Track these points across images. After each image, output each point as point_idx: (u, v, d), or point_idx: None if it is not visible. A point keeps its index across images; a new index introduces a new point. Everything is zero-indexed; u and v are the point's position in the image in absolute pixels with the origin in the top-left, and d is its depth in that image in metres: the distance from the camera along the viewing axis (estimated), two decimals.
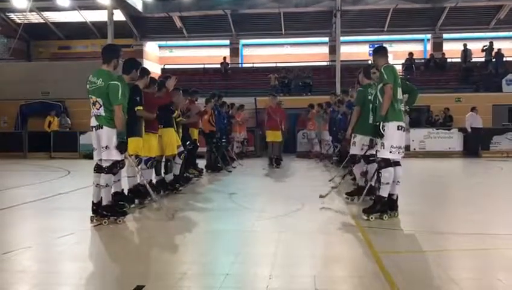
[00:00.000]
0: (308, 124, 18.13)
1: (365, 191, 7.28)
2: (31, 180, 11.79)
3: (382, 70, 6.28)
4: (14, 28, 25.93)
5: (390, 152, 6.22)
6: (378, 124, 6.25)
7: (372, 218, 6.26)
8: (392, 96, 6.17)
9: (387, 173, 6.24)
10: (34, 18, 26.75)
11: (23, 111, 21.56)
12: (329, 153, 14.99)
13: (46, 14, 26.74)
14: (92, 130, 6.16)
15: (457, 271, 4.43)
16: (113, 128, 6.04)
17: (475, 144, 18.36)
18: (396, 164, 6.36)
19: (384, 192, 6.30)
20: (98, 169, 6.22)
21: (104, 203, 6.20)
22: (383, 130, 6.18)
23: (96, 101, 6.04)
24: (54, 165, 15.08)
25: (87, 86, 6.14)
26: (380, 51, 6.68)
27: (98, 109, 6.05)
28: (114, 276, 4.31)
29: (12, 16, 26.46)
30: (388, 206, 6.37)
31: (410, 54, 24.01)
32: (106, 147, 6.04)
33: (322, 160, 15.57)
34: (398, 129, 6.24)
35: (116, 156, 6.10)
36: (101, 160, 6.18)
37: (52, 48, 28.81)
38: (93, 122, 6.13)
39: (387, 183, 6.26)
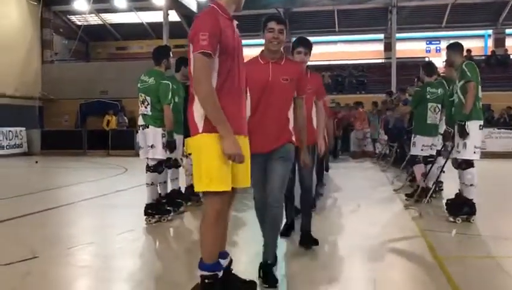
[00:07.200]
0: (356, 123, 17.69)
1: (430, 192, 7.11)
2: (90, 177, 12.18)
3: (464, 67, 6.05)
4: (74, 30, 26.94)
5: (474, 152, 6.03)
6: (462, 122, 5.99)
7: (459, 220, 6.07)
8: (475, 94, 5.95)
9: (469, 175, 6.06)
10: (93, 20, 27.64)
11: (83, 110, 22.44)
12: (384, 153, 14.60)
13: (104, 15, 27.57)
14: (139, 129, 6.29)
15: None
16: (159, 127, 6.12)
17: None
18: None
19: (470, 194, 6.10)
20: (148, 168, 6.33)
21: (147, 201, 6.22)
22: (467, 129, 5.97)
23: (145, 99, 6.17)
24: (111, 163, 15.54)
25: (138, 85, 6.28)
26: (455, 47, 6.46)
27: (146, 108, 6.17)
28: (174, 273, 4.37)
29: (73, 18, 27.45)
30: (470, 209, 6.12)
31: (469, 51, 22.99)
32: (152, 146, 6.13)
33: (377, 159, 15.19)
34: (479, 129, 6.07)
35: (161, 155, 6.18)
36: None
37: (109, 49, 29.68)
38: (140, 121, 6.26)
39: (472, 185, 6.07)
